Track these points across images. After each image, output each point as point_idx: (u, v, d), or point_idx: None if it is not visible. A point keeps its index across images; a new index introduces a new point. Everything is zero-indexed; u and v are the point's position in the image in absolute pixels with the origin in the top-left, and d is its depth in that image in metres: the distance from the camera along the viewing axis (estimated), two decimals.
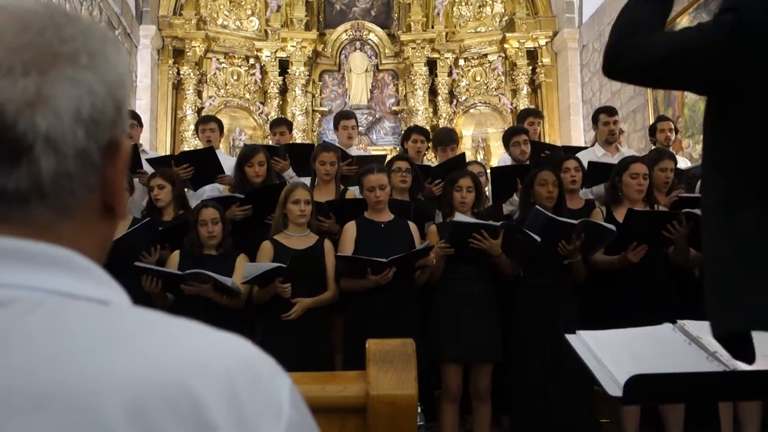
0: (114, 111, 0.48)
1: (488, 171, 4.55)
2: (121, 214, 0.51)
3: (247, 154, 3.82)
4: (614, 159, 4.12)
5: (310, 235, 3.25)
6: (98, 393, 0.37)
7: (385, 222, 3.29)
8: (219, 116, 7.96)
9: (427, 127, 7.06)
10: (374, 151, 7.63)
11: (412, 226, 3.33)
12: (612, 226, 3.14)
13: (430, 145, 4.77)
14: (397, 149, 8.29)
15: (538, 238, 3.02)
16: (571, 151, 4.62)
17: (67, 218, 0.46)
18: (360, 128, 7.93)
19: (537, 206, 3.22)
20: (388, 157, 4.89)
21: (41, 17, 0.47)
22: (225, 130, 8.12)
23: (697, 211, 3.23)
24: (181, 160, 4.07)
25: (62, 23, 0.47)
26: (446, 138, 4.64)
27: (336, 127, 4.87)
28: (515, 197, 3.91)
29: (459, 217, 3.19)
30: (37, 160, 0.43)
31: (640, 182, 3.34)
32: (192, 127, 7.51)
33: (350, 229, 3.26)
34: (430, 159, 5.72)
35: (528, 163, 4.16)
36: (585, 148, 5.39)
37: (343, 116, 4.87)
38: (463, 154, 4.38)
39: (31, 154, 0.43)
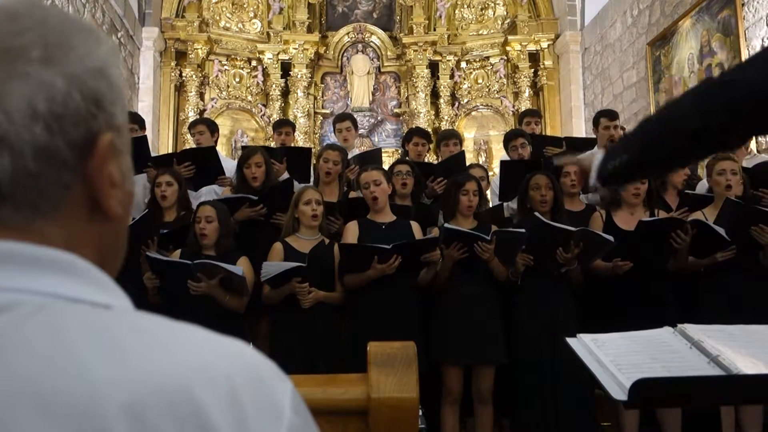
0: (88, 104, 0.45)
1: (489, 174, 4.56)
2: (115, 213, 0.48)
3: (244, 155, 3.83)
4: None
5: (320, 239, 3.26)
6: (99, 398, 0.37)
7: (387, 223, 3.29)
8: (221, 118, 8.03)
9: (429, 130, 7.08)
10: None
11: (415, 225, 3.32)
12: (610, 237, 3.11)
13: (431, 146, 4.80)
14: (399, 151, 8.30)
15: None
16: (574, 143, 4.62)
17: (45, 218, 0.44)
18: (362, 130, 7.95)
19: (535, 213, 3.21)
20: (387, 157, 4.92)
21: None
22: (227, 132, 8.22)
23: (701, 217, 3.23)
24: (183, 159, 4.04)
25: (17, 15, 0.45)
26: (447, 134, 4.70)
27: (334, 131, 4.93)
28: None
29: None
30: None
31: (637, 186, 3.33)
32: None
33: (352, 228, 3.27)
34: (431, 161, 5.74)
35: (540, 159, 4.15)
36: (587, 139, 5.39)
37: (336, 120, 4.97)
38: (463, 152, 4.39)
39: None
